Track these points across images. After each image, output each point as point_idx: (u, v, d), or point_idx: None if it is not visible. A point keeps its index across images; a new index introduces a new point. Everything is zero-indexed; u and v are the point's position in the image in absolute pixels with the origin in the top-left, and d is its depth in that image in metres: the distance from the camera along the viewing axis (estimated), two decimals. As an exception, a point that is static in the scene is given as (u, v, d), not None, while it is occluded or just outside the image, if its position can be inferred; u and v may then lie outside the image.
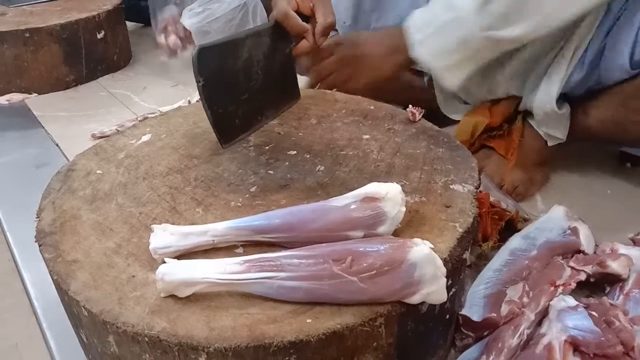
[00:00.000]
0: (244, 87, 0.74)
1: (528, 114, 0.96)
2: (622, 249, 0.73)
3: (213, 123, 0.70)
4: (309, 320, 0.47)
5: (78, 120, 1.30)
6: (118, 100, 1.41)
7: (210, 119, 0.70)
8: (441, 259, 0.49)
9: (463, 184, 0.64)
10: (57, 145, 1.20)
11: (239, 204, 0.62)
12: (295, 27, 0.79)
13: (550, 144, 0.93)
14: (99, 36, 1.51)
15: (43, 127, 1.29)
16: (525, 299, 0.66)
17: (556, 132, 0.91)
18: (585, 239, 0.76)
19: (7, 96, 1.44)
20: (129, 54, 1.68)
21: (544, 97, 0.88)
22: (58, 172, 0.70)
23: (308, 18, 0.81)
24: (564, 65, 0.86)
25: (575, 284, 0.69)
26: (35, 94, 1.45)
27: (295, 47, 0.83)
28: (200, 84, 0.67)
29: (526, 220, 0.84)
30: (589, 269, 0.70)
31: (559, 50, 0.87)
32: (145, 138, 0.77)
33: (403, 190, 0.55)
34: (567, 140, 0.92)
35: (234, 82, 0.72)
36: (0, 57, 1.40)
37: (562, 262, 0.72)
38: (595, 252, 0.75)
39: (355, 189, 0.56)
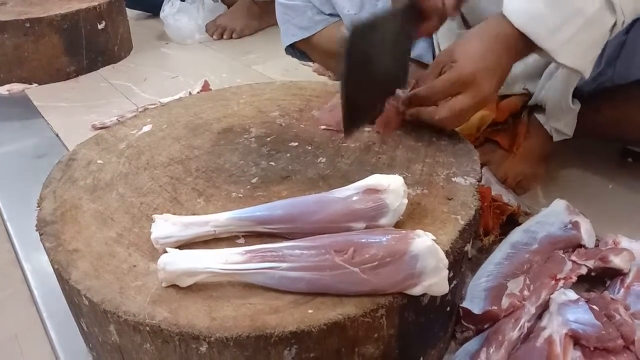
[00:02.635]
0: (378, 73, 0.68)
1: (535, 108, 0.95)
2: (625, 242, 0.73)
3: (346, 109, 0.64)
4: (310, 311, 0.47)
5: (78, 111, 1.30)
6: (118, 91, 1.41)
7: (345, 105, 0.64)
8: (443, 251, 0.49)
9: (465, 177, 0.64)
10: (57, 135, 1.20)
11: (240, 195, 0.62)
12: (432, 3, 0.71)
13: (556, 139, 0.92)
14: (100, 27, 1.51)
15: (43, 118, 1.28)
16: (526, 292, 0.66)
17: (565, 127, 0.90)
18: (586, 233, 0.76)
19: (8, 86, 1.43)
20: (130, 45, 1.67)
21: (558, 91, 0.87)
22: (59, 162, 0.70)
23: None
24: None
25: (576, 278, 0.69)
26: (36, 84, 1.45)
27: (423, 26, 0.73)
28: (344, 66, 0.61)
29: (527, 214, 0.83)
30: (590, 263, 0.70)
31: None
32: (146, 128, 0.77)
33: (405, 183, 0.54)
34: (573, 136, 0.91)
35: (372, 66, 0.66)
36: (0, 47, 1.40)
37: (563, 256, 0.72)
38: (597, 245, 0.75)
39: (357, 181, 0.56)
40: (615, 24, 0.64)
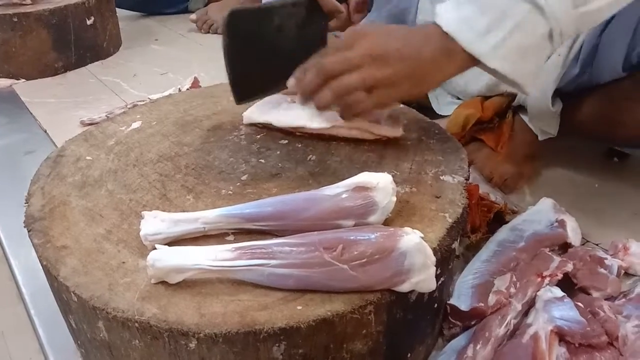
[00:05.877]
0: (271, 53, 0.74)
1: (520, 108, 0.96)
2: (634, 246, 0.74)
3: (232, 81, 0.72)
4: (299, 307, 0.47)
5: (66, 107, 1.29)
6: (107, 87, 1.40)
7: (229, 77, 0.71)
8: (431, 248, 0.50)
9: (453, 175, 0.64)
10: (45, 131, 1.19)
11: (229, 192, 0.62)
12: (327, 3, 0.76)
13: (541, 138, 0.93)
14: (89, 22, 1.50)
15: (31, 113, 1.27)
16: (512, 290, 0.67)
17: (548, 127, 0.91)
18: (572, 231, 0.77)
19: (-5, 81, 1.42)
20: (119, 41, 1.66)
21: (538, 94, 0.88)
22: (47, 158, 0.69)
23: None
24: (558, 63, 0.85)
25: (562, 275, 0.70)
26: (23, 80, 1.44)
27: (332, 22, 0.79)
28: (225, 43, 0.69)
29: (514, 213, 0.84)
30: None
31: None
32: (135, 125, 0.76)
33: (394, 181, 0.55)
34: (558, 134, 0.92)
35: (260, 47, 0.73)
36: (-13, 42, 1.38)
37: (549, 253, 0.73)
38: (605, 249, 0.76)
39: (346, 178, 0.56)
40: (551, 34, 0.60)
